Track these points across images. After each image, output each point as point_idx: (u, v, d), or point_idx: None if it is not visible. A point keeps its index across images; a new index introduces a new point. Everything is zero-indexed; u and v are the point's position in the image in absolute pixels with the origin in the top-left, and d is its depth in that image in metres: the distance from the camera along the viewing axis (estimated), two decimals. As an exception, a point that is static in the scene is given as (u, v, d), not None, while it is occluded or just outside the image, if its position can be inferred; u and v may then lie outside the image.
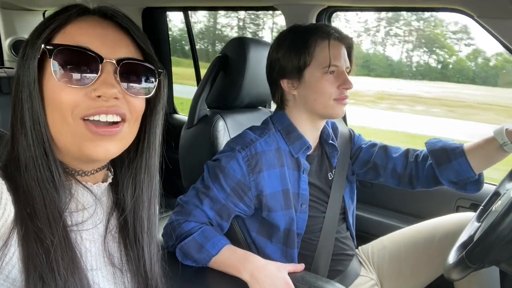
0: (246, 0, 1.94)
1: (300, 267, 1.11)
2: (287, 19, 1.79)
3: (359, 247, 1.47)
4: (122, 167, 0.74)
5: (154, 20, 2.47)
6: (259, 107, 1.67)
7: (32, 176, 0.60)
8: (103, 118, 0.61)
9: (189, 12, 2.41)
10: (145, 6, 2.38)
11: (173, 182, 1.85)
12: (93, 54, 0.60)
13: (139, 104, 0.66)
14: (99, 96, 0.60)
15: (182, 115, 2.55)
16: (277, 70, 1.22)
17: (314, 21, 1.72)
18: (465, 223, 1.17)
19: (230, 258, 1.08)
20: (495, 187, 1.17)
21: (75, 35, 0.61)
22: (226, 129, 1.42)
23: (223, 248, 1.09)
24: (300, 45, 1.18)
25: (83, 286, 0.61)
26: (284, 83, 1.22)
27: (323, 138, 1.32)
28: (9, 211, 0.56)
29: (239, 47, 1.47)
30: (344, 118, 1.85)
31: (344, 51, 1.20)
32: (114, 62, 0.61)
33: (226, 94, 1.49)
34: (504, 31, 1.30)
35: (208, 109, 1.52)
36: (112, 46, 0.62)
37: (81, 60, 0.60)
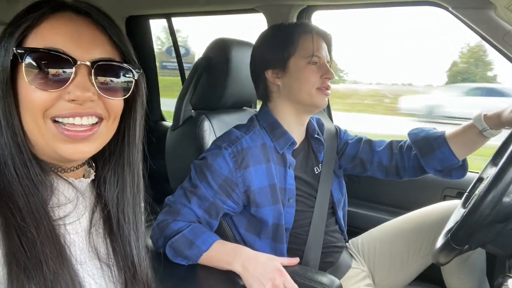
0: (228, 4, 1.97)
1: (295, 261, 1.11)
2: (268, 21, 1.81)
3: (349, 240, 1.48)
4: (104, 163, 0.74)
5: (138, 29, 2.49)
6: (244, 108, 1.68)
7: (11, 173, 0.59)
8: (77, 121, 0.60)
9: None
10: (128, 14, 2.40)
11: (161, 188, 1.84)
12: (66, 57, 0.58)
13: (117, 104, 0.66)
14: (73, 100, 0.59)
15: (170, 122, 2.55)
16: (262, 62, 1.26)
17: (295, 21, 1.75)
18: (452, 211, 1.19)
19: (221, 252, 1.09)
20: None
21: (48, 35, 0.60)
22: (211, 129, 1.42)
23: (213, 244, 1.09)
24: (284, 38, 1.22)
25: (72, 277, 0.61)
26: (269, 74, 1.25)
27: (309, 133, 1.34)
28: None
29: (221, 48, 1.48)
30: (330, 115, 1.87)
31: (325, 46, 1.25)
32: (89, 64, 0.60)
33: (211, 95, 1.50)
34: (479, 21, 1.33)
35: (193, 110, 1.52)
36: (87, 47, 0.61)
37: (53, 63, 0.58)
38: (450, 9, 1.37)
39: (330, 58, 1.28)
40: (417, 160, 1.29)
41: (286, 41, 1.21)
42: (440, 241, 1.05)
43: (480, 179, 1.17)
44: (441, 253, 1.00)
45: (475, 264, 1.30)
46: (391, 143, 1.37)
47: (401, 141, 1.37)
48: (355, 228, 1.62)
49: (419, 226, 1.35)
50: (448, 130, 1.26)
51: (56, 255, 0.59)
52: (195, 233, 1.11)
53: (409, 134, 1.33)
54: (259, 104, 1.38)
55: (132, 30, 2.45)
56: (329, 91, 1.23)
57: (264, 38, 1.28)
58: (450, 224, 1.12)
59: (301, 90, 1.21)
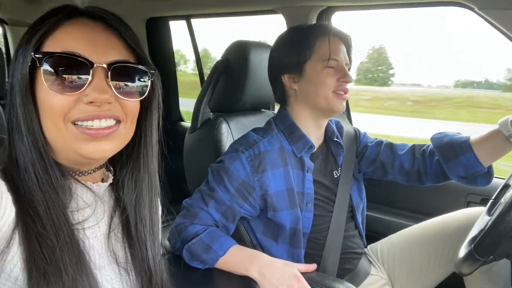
0: (247, 5, 1.96)
1: (312, 267, 1.10)
2: (288, 22, 1.79)
3: (368, 246, 1.45)
4: (122, 167, 0.74)
5: (158, 30, 2.51)
6: (263, 110, 1.67)
7: (32, 179, 0.60)
8: (96, 123, 0.61)
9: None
10: (148, 16, 2.42)
11: (180, 188, 1.86)
12: (83, 60, 0.59)
13: (134, 105, 0.66)
14: (91, 102, 0.60)
15: (188, 123, 2.57)
16: (278, 66, 1.24)
17: (314, 23, 1.73)
18: (476, 218, 1.15)
19: (238, 257, 1.08)
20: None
21: (64, 40, 0.61)
22: (229, 132, 1.42)
23: (230, 248, 1.09)
24: (301, 41, 1.20)
25: (91, 283, 0.62)
26: (285, 78, 1.23)
27: (328, 136, 1.32)
28: (10, 210, 0.57)
29: (239, 50, 1.48)
30: (349, 118, 1.84)
31: (343, 48, 1.22)
32: (105, 66, 0.61)
33: (229, 97, 1.50)
34: (506, 22, 1.28)
35: (211, 113, 1.52)
36: (103, 50, 0.62)
37: (71, 67, 0.59)
38: (476, 9, 1.32)
39: (350, 60, 1.25)
40: (439, 165, 1.25)
41: (302, 45, 1.19)
42: (463, 251, 1.01)
43: (506, 186, 1.13)
44: (464, 264, 0.97)
45: (500, 273, 1.26)
46: (413, 147, 1.33)
47: (424, 145, 1.33)
48: (374, 233, 1.60)
49: (441, 233, 1.31)
50: (473, 135, 1.22)
51: (75, 262, 0.60)
52: (212, 237, 1.11)
53: (432, 139, 1.28)
54: (277, 106, 1.37)
55: (152, 32, 2.48)
56: (346, 95, 1.20)
57: (281, 41, 1.27)
58: (473, 232, 1.08)
59: (317, 94, 1.19)
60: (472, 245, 0.92)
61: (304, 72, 1.20)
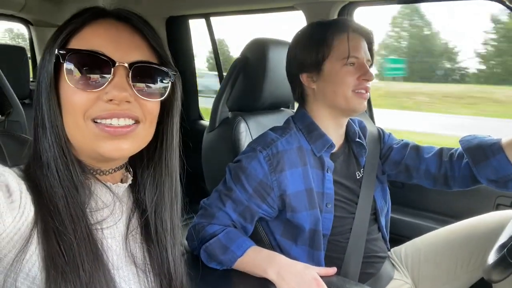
0: (266, 2, 1.94)
1: (332, 271, 1.06)
2: (308, 19, 1.76)
3: (392, 249, 1.40)
4: (142, 169, 0.74)
5: (178, 29, 2.52)
6: (282, 108, 1.64)
7: (53, 175, 0.61)
8: (115, 122, 0.61)
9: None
10: (168, 15, 2.43)
11: (198, 187, 1.85)
12: (105, 58, 0.60)
13: (153, 107, 0.66)
14: (111, 100, 0.60)
15: (208, 122, 2.56)
16: (296, 65, 1.21)
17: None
18: (506, 221, 1.09)
19: (256, 258, 1.06)
20: None
21: (89, 39, 0.62)
22: (248, 131, 1.40)
23: (248, 249, 1.07)
24: (319, 38, 1.16)
25: (107, 281, 0.62)
26: (303, 77, 1.20)
27: (349, 136, 1.28)
28: (29, 210, 0.57)
29: (258, 48, 1.46)
30: (372, 117, 1.80)
31: (364, 44, 1.17)
32: (127, 65, 0.61)
33: (247, 96, 1.48)
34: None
35: (229, 112, 1.51)
36: (126, 49, 0.63)
37: (93, 64, 0.60)
38: (507, 3, 1.26)
39: (372, 56, 1.20)
40: (468, 169, 1.18)
41: (319, 43, 1.15)
42: (493, 256, 0.96)
43: None
44: (495, 270, 0.91)
45: None
46: (441, 150, 1.27)
47: (452, 148, 1.26)
48: (398, 236, 1.54)
49: (469, 237, 1.25)
50: (505, 137, 1.15)
51: (92, 258, 0.61)
52: (230, 237, 1.09)
53: (461, 141, 1.22)
54: (297, 105, 1.34)
55: (172, 31, 2.49)
56: (367, 94, 1.16)
57: (298, 39, 1.23)
58: (504, 236, 1.03)
59: (336, 93, 1.15)
60: (505, 250, 0.87)
61: (323, 71, 1.16)
